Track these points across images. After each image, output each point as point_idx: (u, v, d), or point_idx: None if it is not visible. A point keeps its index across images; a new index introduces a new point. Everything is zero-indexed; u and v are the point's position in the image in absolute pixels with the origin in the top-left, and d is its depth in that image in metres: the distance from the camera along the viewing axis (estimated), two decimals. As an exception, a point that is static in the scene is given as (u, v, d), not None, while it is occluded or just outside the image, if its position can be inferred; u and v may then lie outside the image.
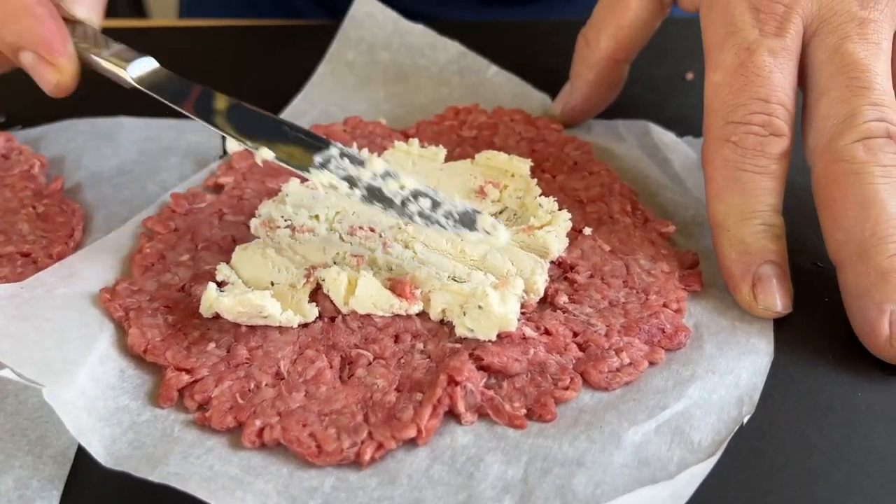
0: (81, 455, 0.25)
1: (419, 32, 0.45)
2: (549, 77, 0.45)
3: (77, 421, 0.24)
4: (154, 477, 0.23)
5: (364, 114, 0.41)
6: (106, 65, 0.33)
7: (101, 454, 0.24)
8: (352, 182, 0.29)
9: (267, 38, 0.52)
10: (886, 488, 0.24)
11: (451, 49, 0.45)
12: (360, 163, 0.30)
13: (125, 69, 0.33)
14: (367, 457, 0.24)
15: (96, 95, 0.41)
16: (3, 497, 0.23)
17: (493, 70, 0.45)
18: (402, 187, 0.29)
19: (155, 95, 0.33)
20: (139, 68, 0.33)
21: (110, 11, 0.40)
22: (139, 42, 0.45)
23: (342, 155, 0.30)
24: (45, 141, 0.39)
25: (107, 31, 0.37)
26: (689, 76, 0.48)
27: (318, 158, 0.30)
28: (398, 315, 0.29)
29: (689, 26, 0.53)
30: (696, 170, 0.38)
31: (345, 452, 0.24)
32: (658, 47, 0.51)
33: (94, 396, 0.26)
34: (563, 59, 0.48)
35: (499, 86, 0.44)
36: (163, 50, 0.47)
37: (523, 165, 0.35)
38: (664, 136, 0.40)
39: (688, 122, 0.42)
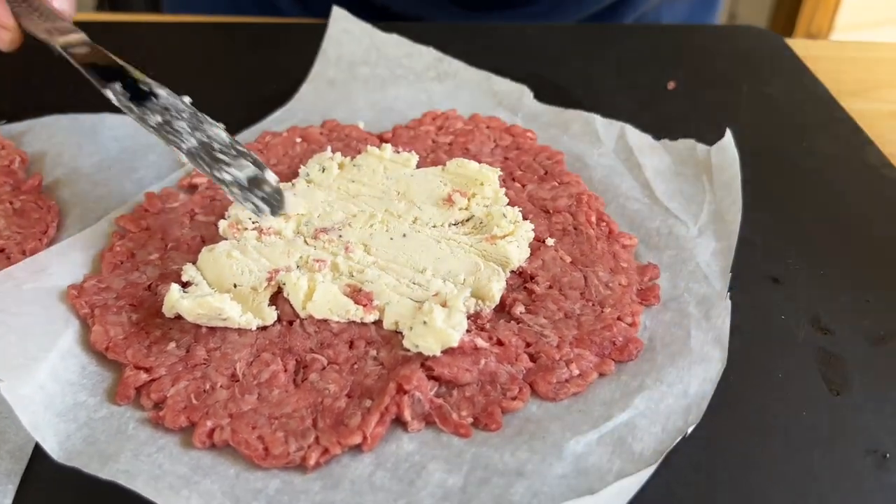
0: (38, 450, 0.25)
1: (395, 43, 0.46)
2: (531, 80, 0.45)
3: (33, 416, 0.25)
4: (104, 474, 0.24)
5: (344, 121, 0.42)
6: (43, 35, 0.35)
7: (54, 450, 0.25)
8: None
9: (249, 36, 0.52)
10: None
11: (426, 56, 0.45)
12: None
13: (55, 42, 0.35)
14: (313, 461, 0.25)
15: (81, 92, 0.42)
16: (-40, 488, 0.24)
17: (472, 71, 0.45)
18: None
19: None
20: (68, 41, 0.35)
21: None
22: (123, 36, 0.46)
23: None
24: (29, 136, 0.40)
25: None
26: (672, 85, 0.48)
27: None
28: (353, 322, 0.30)
29: (676, 33, 0.54)
30: (670, 175, 0.39)
31: (291, 456, 0.25)
32: (642, 54, 0.51)
33: (52, 392, 0.27)
34: (548, 63, 0.49)
35: (477, 85, 0.45)
36: (149, 44, 0.48)
37: (492, 175, 0.35)
38: (640, 139, 0.41)
39: (667, 132, 0.42)
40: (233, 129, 0.41)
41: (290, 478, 0.25)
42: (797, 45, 0.55)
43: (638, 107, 0.45)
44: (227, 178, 0.31)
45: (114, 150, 0.39)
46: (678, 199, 0.37)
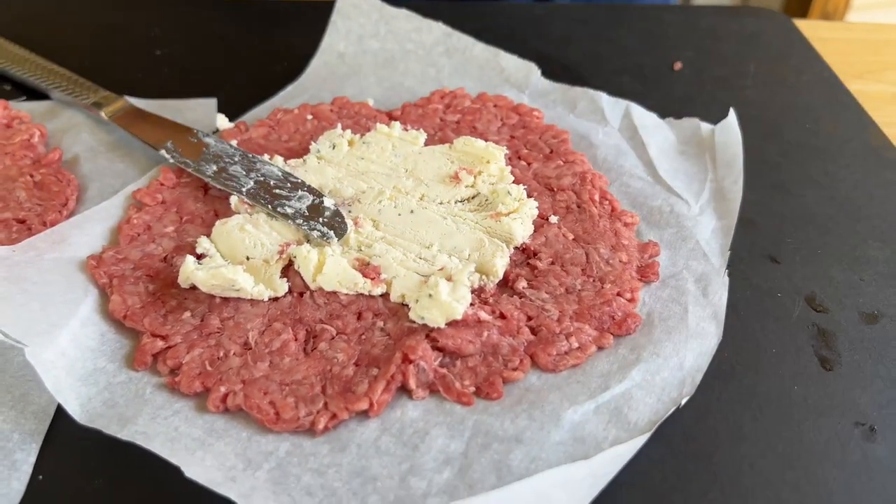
0: (60, 412, 0.27)
1: (404, 17, 0.46)
2: (539, 60, 0.46)
3: (56, 380, 0.26)
4: (123, 435, 0.25)
5: (354, 97, 0.43)
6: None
7: (76, 412, 0.26)
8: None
9: (261, 13, 0.53)
10: (808, 479, 0.26)
11: (436, 30, 0.46)
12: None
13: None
14: (321, 426, 0.26)
15: (104, 74, 0.43)
16: (-10, 445, 0.25)
17: (480, 47, 0.46)
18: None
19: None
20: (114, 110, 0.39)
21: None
22: (145, 11, 0.47)
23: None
24: (49, 113, 0.41)
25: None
26: (678, 66, 0.48)
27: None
28: (362, 294, 0.31)
29: (684, 13, 0.54)
30: (673, 153, 0.39)
31: (301, 420, 0.26)
32: (650, 34, 0.52)
33: (73, 357, 0.28)
34: (555, 43, 0.49)
35: (486, 62, 0.45)
36: (165, 19, 0.48)
37: (498, 153, 0.36)
38: (645, 118, 0.41)
39: (672, 111, 0.43)
40: (246, 106, 0.42)
41: (299, 441, 0.26)
42: (806, 26, 0.55)
43: (644, 86, 0.46)
44: (290, 211, 0.33)
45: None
46: (681, 177, 0.38)
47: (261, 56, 0.48)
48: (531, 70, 0.44)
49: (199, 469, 0.24)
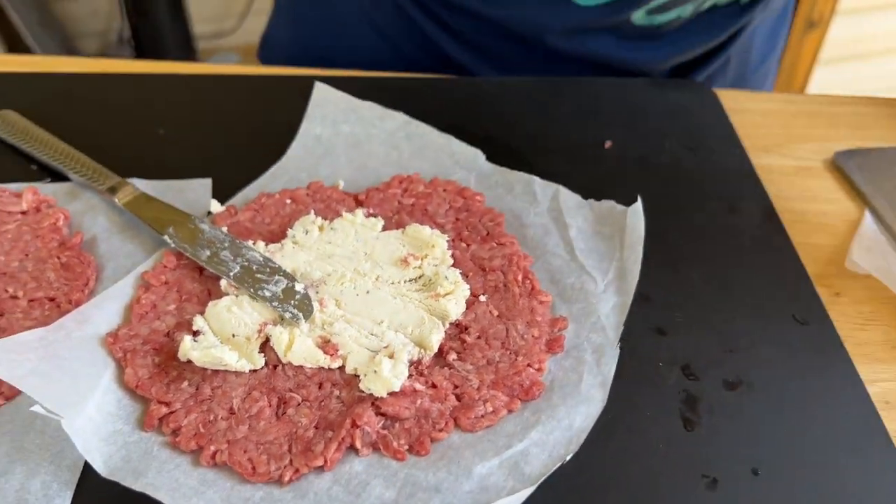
0: (88, 466, 0.35)
1: (368, 107, 0.54)
2: (488, 139, 0.54)
3: (84, 441, 0.35)
4: (136, 487, 0.33)
5: (328, 178, 0.51)
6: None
7: (100, 467, 0.34)
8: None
9: (251, 90, 0.60)
10: (658, 517, 0.34)
11: (397, 118, 0.54)
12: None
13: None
14: (287, 478, 0.34)
15: (113, 154, 0.51)
16: (32, 495, 0.33)
17: (436, 133, 0.53)
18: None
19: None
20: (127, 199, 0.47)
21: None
22: (147, 91, 0.54)
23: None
24: (71, 195, 0.49)
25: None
26: (608, 144, 0.56)
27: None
28: (322, 367, 0.39)
29: (620, 88, 0.62)
30: (590, 233, 0.47)
31: (271, 474, 0.35)
32: (588, 110, 0.59)
33: (98, 422, 0.36)
34: (502, 121, 0.57)
35: (440, 147, 0.53)
36: (165, 98, 0.56)
37: (441, 240, 0.44)
38: (569, 200, 0.49)
39: (597, 190, 0.50)
40: (237, 181, 0.49)
41: (270, 490, 0.34)
42: (728, 96, 0.63)
43: (574, 166, 0.54)
44: (268, 294, 0.41)
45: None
46: (593, 256, 0.46)
47: (250, 132, 0.56)
48: (477, 155, 0.52)
49: (194, 513, 0.33)
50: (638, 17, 0.63)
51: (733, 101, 0.62)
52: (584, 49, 0.65)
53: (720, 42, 0.69)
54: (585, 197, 0.50)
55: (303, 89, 0.57)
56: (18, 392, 0.37)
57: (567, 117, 0.59)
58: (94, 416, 0.36)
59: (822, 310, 0.44)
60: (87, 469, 0.35)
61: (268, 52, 0.84)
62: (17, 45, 2.04)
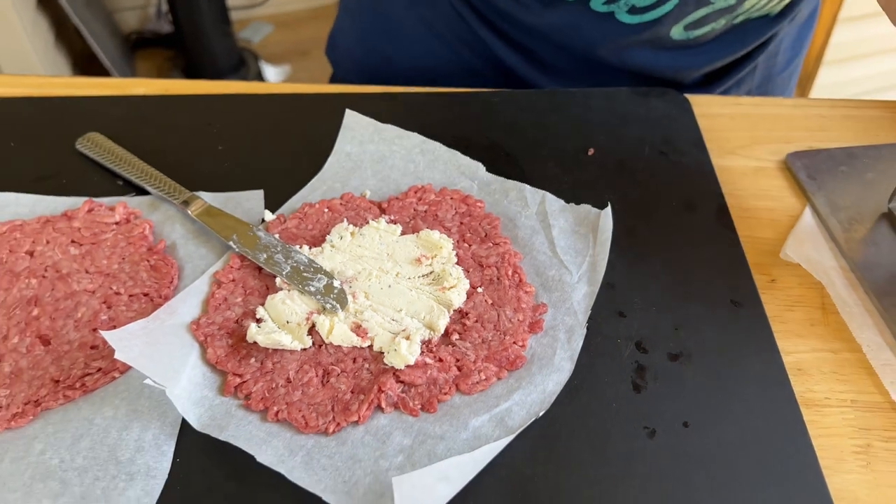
0: (184, 422, 0.47)
1: (389, 129, 0.65)
2: (490, 147, 0.65)
3: (182, 405, 0.47)
4: (221, 437, 0.46)
5: (357, 188, 0.62)
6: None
7: (194, 423, 0.46)
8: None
9: (296, 107, 0.71)
10: (609, 464, 0.45)
11: (413, 138, 0.65)
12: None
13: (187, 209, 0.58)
14: (331, 430, 0.46)
15: (182, 169, 0.62)
16: (147, 443, 0.46)
17: (444, 149, 0.64)
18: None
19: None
20: (199, 211, 0.59)
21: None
22: (207, 111, 0.66)
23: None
24: (152, 207, 0.61)
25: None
26: (591, 151, 0.66)
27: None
28: (356, 346, 0.51)
29: (606, 98, 0.72)
30: (570, 233, 0.58)
31: (319, 427, 0.47)
32: (577, 119, 0.70)
33: (189, 390, 0.48)
34: (503, 130, 0.67)
35: (448, 160, 0.64)
36: (222, 117, 0.67)
37: (447, 243, 0.56)
38: (553, 204, 0.60)
39: (580, 192, 0.61)
40: (284, 192, 0.60)
41: (318, 439, 0.46)
42: (702, 101, 0.72)
43: (562, 171, 0.64)
44: (312, 289, 0.52)
45: (206, 216, 0.60)
46: (570, 253, 0.57)
47: (294, 146, 0.67)
48: (479, 167, 0.63)
49: (264, 456, 0.45)
50: (676, 32, 0.72)
51: (706, 107, 0.72)
52: (630, 61, 0.75)
53: (750, 50, 0.78)
54: (568, 200, 0.60)
55: (340, 106, 0.68)
56: (129, 367, 0.49)
57: (559, 126, 0.69)
58: (186, 386, 0.48)
59: (756, 294, 0.55)
60: (184, 425, 0.47)
61: (333, 51, 0.94)
62: (62, 22, 2.17)
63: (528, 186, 0.61)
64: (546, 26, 0.74)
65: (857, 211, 0.61)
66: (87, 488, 0.44)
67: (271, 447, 0.46)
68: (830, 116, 0.71)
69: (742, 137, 0.69)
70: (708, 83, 0.83)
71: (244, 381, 0.49)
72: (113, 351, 0.46)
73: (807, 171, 0.65)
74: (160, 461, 0.45)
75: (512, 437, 0.46)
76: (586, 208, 0.59)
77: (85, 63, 2.66)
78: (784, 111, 0.72)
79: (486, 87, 0.77)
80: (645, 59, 0.75)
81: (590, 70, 0.78)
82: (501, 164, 0.64)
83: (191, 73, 2.55)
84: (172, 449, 0.46)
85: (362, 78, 0.89)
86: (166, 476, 0.45)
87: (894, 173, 0.64)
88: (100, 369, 0.50)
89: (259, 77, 2.59)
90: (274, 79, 2.60)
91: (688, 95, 0.72)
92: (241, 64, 2.60)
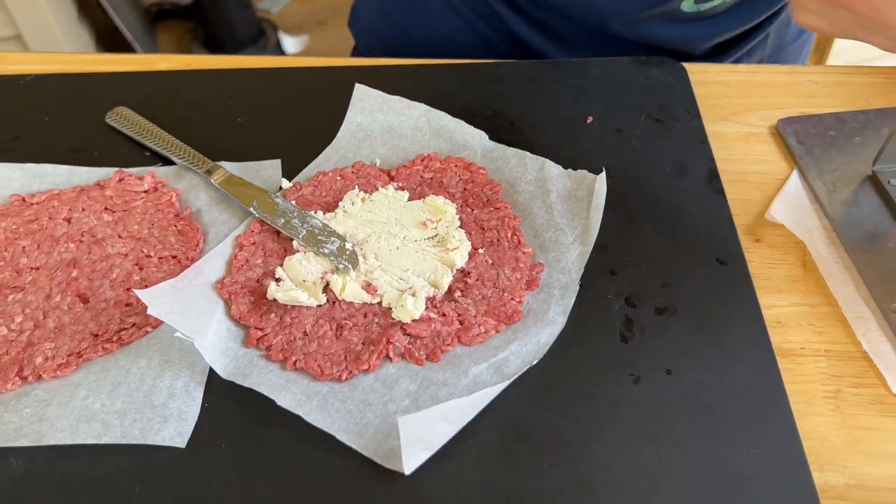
0: (212, 371, 0.52)
1: (397, 100, 0.69)
2: (496, 115, 0.69)
3: (209, 355, 0.52)
4: (245, 384, 0.51)
5: (367, 157, 0.66)
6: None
7: (221, 371, 0.51)
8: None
9: (311, 79, 0.75)
10: (594, 406, 0.50)
11: (419, 108, 0.69)
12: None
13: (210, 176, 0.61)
14: (344, 377, 0.51)
15: (205, 140, 0.67)
16: (178, 390, 0.51)
17: (448, 118, 0.68)
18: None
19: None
20: (220, 179, 0.63)
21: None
22: (226, 85, 0.70)
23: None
24: (177, 176, 0.66)
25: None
26: (590, 119, 0.70)
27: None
28: (367, 303, 0.55)
29: (606, 66, 0.75)
30: (567, 197, 0.62)
31: (334, 374, 0.51)
32: (577, 88, 0.73)
33: (215, 342, 0.53)
34: (507, 100, 0.71)
35: (453, 129, 0.68)
36: (240, 90, 0.71)
37: (451, 208, 0.60)
38: (552, 170, 0.64)
39: (578, 158, 0.65)
40: (300, 159, 0.65)
41: (332, 385, 0.51)
42: (698, 69, 0.75)
43: (562, 139, 0.68)
44: (326, 251, 0.56)
45: (228, 184, 0.65)
46: (567, 216, 0.60)
47: (309, 117, 0.71)
48: (482, 135, 0.67)
49: (284, 400, 0.50)
50: (686, 5, 0.75)
51: (702, 75, 0.75)
52: (642, 33, 0.78)
53: (761, 20, 0.81)
54: (566, 166, 0.64)
55: (352, 79, 0.72)
56: (161, 322, 0.54)
57: (560, 95, 0.72)
58: (213, 339, 0.53)
59: (741, 253, 0.58)
60: (212, 374, 0.52)
61: (356, 23, 0.98)
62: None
63: (528, 154, 0.65)
64: (560, 0, 0.77)
65: (842, 173, 0.64)
66: (126, 429, 0.49)
67: (290, 393, 0.50)
68: (823, 83, 0.74)
69: (736, 104, 0.72)
70: (719, 53, 0.85)
71: (265, 335, 0.54)
72: (146, 308, 0.51)
73: (796, 135, 0.68)
74: (190, 405, 0.50)
75: (507, 382, 0.50)
76: (583, 173, 0.63)
77: (107, 36, 2.71)
78: (778, 78, 0.75)
79: (501, 59, 0.81)
80: (657, 32, 0.78)
81: (603, 43, 0.81)
82: (505, 132, 0.68)
83: (210, 44, 2.59)
84: (201, 395, 0.51)
85: (384, 50, 0.93)
86: (196, 418, 0.50)
87: (880, 137, 0.66)
88: (134, 324, 0.55)
89: (278, 47, 2.62)
90: (292, 49, 2.63)
91: (685, 64, 0.75)
92: (260, 34, 2.63)
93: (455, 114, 0.69)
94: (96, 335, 0.54)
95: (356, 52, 1.03)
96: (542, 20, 0.81)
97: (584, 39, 0.81)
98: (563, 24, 0.80)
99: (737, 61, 0.86)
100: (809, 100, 0.73)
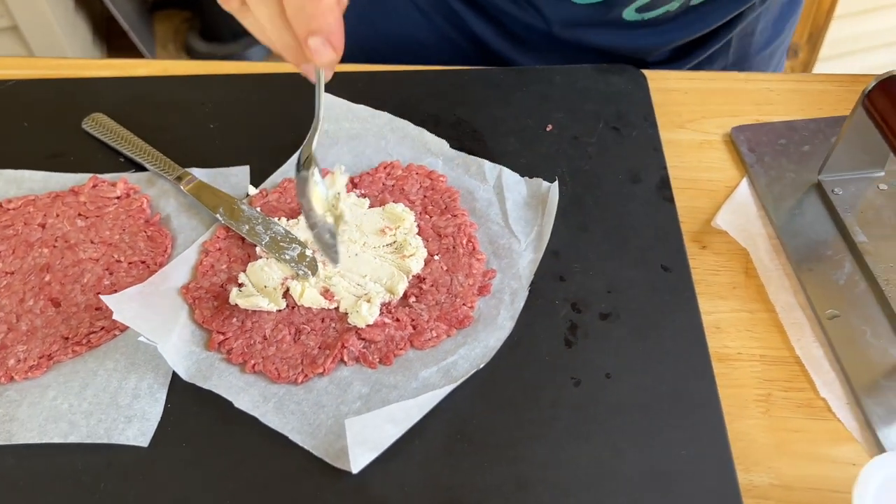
0: (175, 374, 0.55)
1: (362, 108, 0.71)
2: (457, 123, 0.71)
3: (172, 358, 0.54)
4: (205, 386, 0.53)
5: (332, 164, 0.68)
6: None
7: (182, 373, 0.54)
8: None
9: (280, 87, 0.78)
10: (529, 411, 0.52)
11: (383, 116, 0.71)
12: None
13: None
14: (300, 380, 0.54)
15: (178, 146, 0.69)
16: (143, 391, 0.53)
17: (412, 126, 0.70)
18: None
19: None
20: (190, 187, 0.65)
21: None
22: (200, 90, 0.72)
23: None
24: (149, 183, 0.68)
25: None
26: (549, 127, 0.72)
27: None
28: (324, 308, 0.58)
29: (568, 74, 0.77)
30: (522, 205, 0.64)
31: (290, 377, 0.54)
32: (539, 95, 0.75)
33: (179, 346, 0.56)
34: (471, 107, 0.73)
35: (415, 137, 0.70)
36: (213, 96, 0.73)
37: (409, 215, 0.62)
38: (509, 178, 0.66)
39: (536, 166, 0.67)
40: (267, 167, 0.67)
41: (289, 387, 0.54)
42: (658, 76, 0.77)
43: (522, 146, 0.70)
44: (287, 257, 0.59)
45: (197, 190, 0.67)
46: (521, 223, 0.63)
47: (279, 125, 0.73)
48: (443, 144, 0.69)
49: (242, 402, 0.52)
50: (628, 13, 0.77)
51: (662, 82, 0.77)
52: (590, 40, 0.80)
53: (719, 26, 0.82)
54: (524, 174, 0.67)
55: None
56: (128, 327, 0.57)
57: (522, 103, 0.74)
58: (176, 342, 0.56)
59: (685, 260, 0.61)
60: (175, 376, 0.55)
61: None
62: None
63: (487, 162, 0.67)
64: (505, 5, 0.79)
65: (789, 182, 0.67)
66: (91, 428, 0.52)
67: (248, 395, 0.53)
68: (778, 90, 0.76)
69: (692, 111, 0.74)
70: (676, 59, 0.87)
71: (226, 338, 0.56)
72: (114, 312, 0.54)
73: (748, 143, 0.70)
74: (154, 406, 0.53)
75: (453, 386, 0.53)
76: (538, 182, 0.65)
77: (104, 26, 2.73)
78: (736, 85, 0.77)
79: (465, 60, 0.83)
80: (604, 39, 0.80)
81: (557, 46, 0.83)
82: (467, 139, 0.70)
83: (207, 33, 2.61)
84: (164, 396, 0.54)
85: (356, 47, 0.95)
86: (159, 419, 0.53)
87: (830, 146, 0.69)
88: (103, 328, 0.57)
89: (273, 37, 2.63)
90: (288, 39, 2.64)
91: (646, 71, 0.77)
92: (256, 24, 2.64)
93: (420, 120, 0.71)
94: (67, 338, 0.57)
95: None
96: (499, 20, 0.83)
97: (539, 42, 0.83)
98: (518, 27, 0.82)
99: (696, 67, 0.88)
100: (765, 107, 0.75)
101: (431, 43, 0.89)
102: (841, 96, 0.75)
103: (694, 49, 0.85)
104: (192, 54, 2.62)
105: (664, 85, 0.77)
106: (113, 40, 2.67)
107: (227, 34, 2.57)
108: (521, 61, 0.86)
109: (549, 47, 0.83)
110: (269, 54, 2.62)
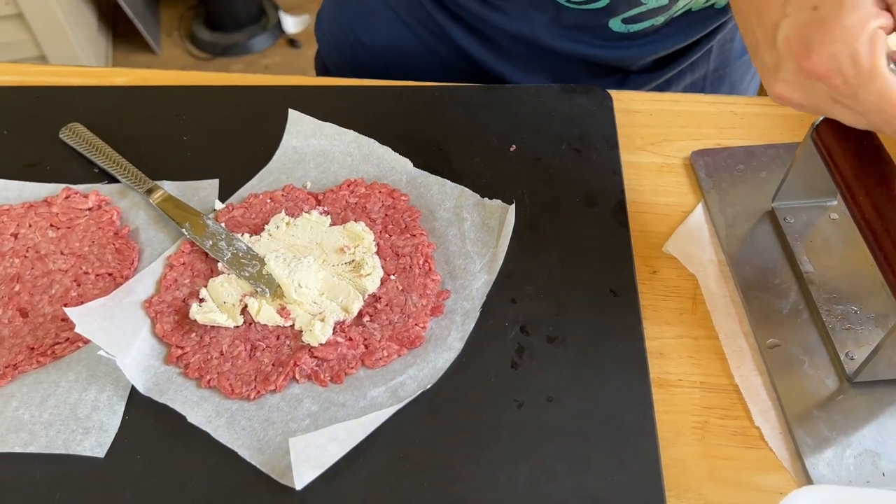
0: (133, 387, 0.57)
1: (329, 126, 0.73)
2: (425, 141, 0.73)
3: (130, 372, 0.56)
4: (161, 400, 0.55)
5: (299, 180, 0.70)
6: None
7: (140, 387, 0.56)
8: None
9: (252, 102, 0.79)
10: (481, 431, 0.54)
11: (349, 134, 0.73)
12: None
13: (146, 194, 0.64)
14: (252, 396, 0.56)
15: (151, 158, 0.71)
16: (102, 403, 0.56)
17: (376, 145, 0.72)
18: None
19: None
20: (159, 200, 0.67)
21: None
22: (174, 103, 0.74)
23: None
24: (121, 195, 0.70)
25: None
26: (513, 148, 0.74)
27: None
28: (280, 325, 0.60)
29: (538, 93, 0.78)
30: (480, 225, 0.66)
31: (243, 393, 0.56)
32: (506, 115, 0.77)
33: (138, 359, 0.58)
34: (439, 125, 0.75)
35: (381, 155, 0.72)
36: (187, 108, 0.75)
37: (368, 235, 0.64)
38: (469, 199, 0.68)
39: (497, 187, 0.69)
40: (236, 181, 0.69)
41: (242, 403, 0.56)
42: (625, 97, 0.79)
43: (486, 166, 0.71)
44: (247, 274, 0.61)
45: (167, 203, 0.69)
46: (478, 244, 0.65)
47: (250, 138, 0.75)
48: (407, 162, 0.71)
49: (195, 417, 0.55)
50: (614, 24, 0.78)
51: (627, 103, 0.78)
52: (575, 49, 0.82)
53: (698, 38, 0.84)
54: (486, 195, 0.68)
55: (297, 98, 0.76)
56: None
57: (489, 122, 0.76)
58: (136, 356, 0.58)
59: (634, 285, 0.62)
60: (134, 389, 0.57)
61: (320, 30, 1.03)
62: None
63: (449, 182, 0.69)
64: (492, 15, 0.80)
65: (743, 208, 0.68)
66: (50, 439, 0.54)
67: (202, 409, 0.55)
68: (742, 114, 0.78)
69: (655, 134, 0.76)
70: (660, 67, 0.88)
71: (185, 353, 0.58)
72: (78, 325, 0.56)
73: (706, 168, 0.72)
74: (112, 418, 0.55)
75: (398, 407, 0.55)
76: (497, 203, 0.67)
77: (110, 14, 2.74)
78: (700, 108, 0.78)
79: (452, 72, 0.84)
80: (590, 49, 0.81)
81: (543, 55, 0.84)
82: (433, 158, 0.72)
83: (211, 22, 2.62)
84: (123, 408, 0.56)
85: (341, 57, 0.97)
86: (116, 430, 0.55)
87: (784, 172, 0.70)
88: (67, 339, 0.59)
89: (278, 26, 2.65)
90: (292, 28, 2.66)
91: (613, 91, 0.78)
92: (261, 14, 2.67)
93: (387, 137, 0.73)
94: (32, 348, 0.59)
95: (318, 56, 1.06)
96: (483, 32, 0.85)
97: (523, 52, 0.85)
98: (502, 37, 0.84)
99: (679, 75, 0.89)
100: (726, 131, 0.76)
101: (416, 54, 0.91)
102: (804, 121, 0.77)
103: (677, 57, 0.87)
104: (197, 43, 2.64)
105: (630, 106, 0.78)
106: (118, 27, 2.68)
107: (231, 23, 2.59)
108: (507, 73, 0.87)
109: (532, 57, 0.84)
110: (269, 48, 2.64)
